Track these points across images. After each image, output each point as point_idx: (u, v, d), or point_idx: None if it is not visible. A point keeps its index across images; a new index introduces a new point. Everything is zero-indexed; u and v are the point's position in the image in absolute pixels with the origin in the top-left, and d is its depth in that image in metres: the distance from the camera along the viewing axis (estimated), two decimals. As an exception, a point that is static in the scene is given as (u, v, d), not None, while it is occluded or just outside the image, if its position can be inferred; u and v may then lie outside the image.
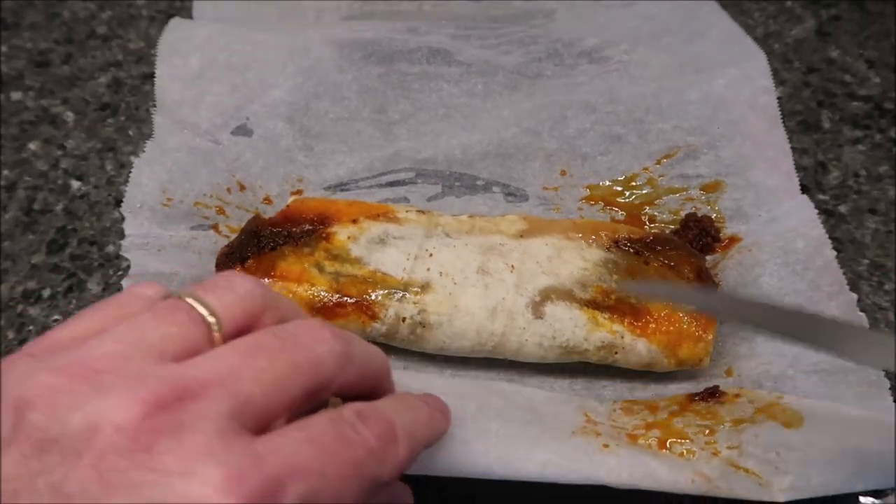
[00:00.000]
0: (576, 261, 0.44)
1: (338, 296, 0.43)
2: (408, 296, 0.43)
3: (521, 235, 0.45)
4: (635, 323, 0.42)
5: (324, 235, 0.44)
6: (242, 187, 0.52)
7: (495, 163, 0.54)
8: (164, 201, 0.49)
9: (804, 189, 0.52)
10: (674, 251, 0.45)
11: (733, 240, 0.48)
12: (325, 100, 0.56)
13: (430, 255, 0.44)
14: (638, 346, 0.43)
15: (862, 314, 0.43)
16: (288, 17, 0.64)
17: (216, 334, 0.28)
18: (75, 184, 0.54)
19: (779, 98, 0.58)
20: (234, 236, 0.47)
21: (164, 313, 0.28)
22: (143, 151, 0.51)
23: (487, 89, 0.57)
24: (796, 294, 0.45)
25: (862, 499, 0.40)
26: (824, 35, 0.64)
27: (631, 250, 0.45)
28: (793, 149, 0.55)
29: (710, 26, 0.61)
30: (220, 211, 0.50)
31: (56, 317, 0.47)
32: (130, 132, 0.57)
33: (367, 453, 0.28)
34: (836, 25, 0.64)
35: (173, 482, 0.24)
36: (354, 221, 0.45)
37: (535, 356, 0.43)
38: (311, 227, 0.45)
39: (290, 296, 0.43)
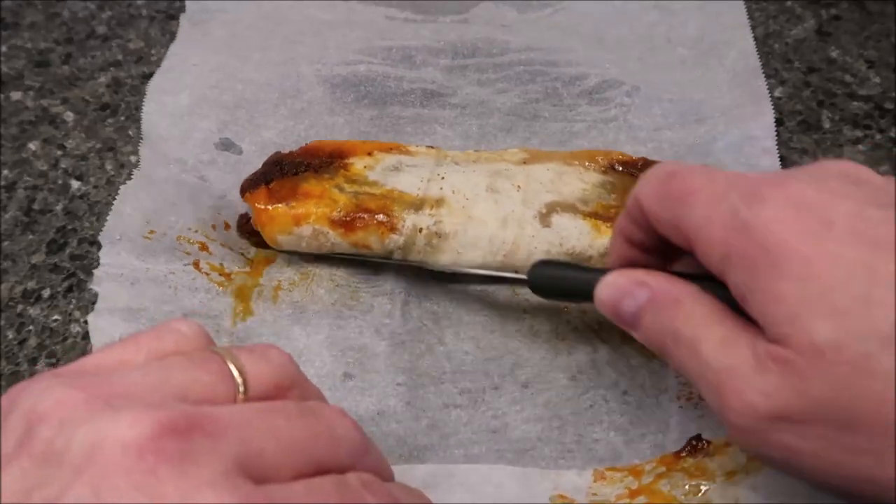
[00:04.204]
0: (576, 182, 0.48)
1: (358, 210, 0.46)
2: (424, 208, 0.46)
3: (524, 162, 0.49)
4: None
5: (341, 165, 0.48)
6: (228, 226, 0.51)
7: None
8: (147, 233, 0.48)
9: (804, 189, 0.53)
10: None
11: None
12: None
13: (442, 177, 0.48)
14: None
15: None
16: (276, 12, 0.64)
17: (241, 395, 0.28)
18: (75, 184, 0.54)
19: (779, 98, 0.58)
20: (214, 274, 0.48)
21: (197, 361, 0.29)
22: (130, 179, 0.51)
23: (482, 132, 0.57)
24: None
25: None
26: (824, 35, 0.64)
27: (625, 172, 0.48)
28: (793, 149, 0.55)
29: (729, 45, 0.60)
30: (203, 247, 0.49)
31: (56, 317, 0.47)
32: (130, 132, 0.57)
33: None
34: (836, 25, 0.64)
35: None
36: (370, 154, 0.49)
37: None
38: (329, 160, 0.49)
39: (313, 211, 0.46)
